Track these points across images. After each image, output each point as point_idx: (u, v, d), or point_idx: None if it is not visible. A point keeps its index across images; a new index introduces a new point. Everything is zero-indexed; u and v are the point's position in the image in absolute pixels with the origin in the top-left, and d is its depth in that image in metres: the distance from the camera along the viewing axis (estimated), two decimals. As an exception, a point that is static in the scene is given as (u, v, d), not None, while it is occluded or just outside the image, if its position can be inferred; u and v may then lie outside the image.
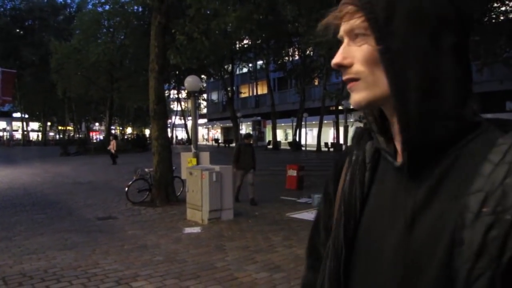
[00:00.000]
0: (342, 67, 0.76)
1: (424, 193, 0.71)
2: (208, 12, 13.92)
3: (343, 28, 0.77)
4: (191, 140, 11.43)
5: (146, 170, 11.93)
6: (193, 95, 11.22)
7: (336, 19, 0.78)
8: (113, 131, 57.29)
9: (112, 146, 25.62)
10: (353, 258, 0.82)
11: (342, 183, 0.91)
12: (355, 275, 0.81)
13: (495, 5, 14.72)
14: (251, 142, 11.91)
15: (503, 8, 15.03)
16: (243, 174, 11.00)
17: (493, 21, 14.93)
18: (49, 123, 71.89)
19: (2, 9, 52.60)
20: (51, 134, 77.94)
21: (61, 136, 69.90)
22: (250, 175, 10.93)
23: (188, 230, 8.33)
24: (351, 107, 0.79)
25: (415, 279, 0.68)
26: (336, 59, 0.76)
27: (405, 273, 0.70)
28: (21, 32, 51.63)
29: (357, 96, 0.76)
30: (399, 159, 0.77)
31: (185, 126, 62.68)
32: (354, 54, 0.75)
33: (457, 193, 0.66)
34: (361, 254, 0.80)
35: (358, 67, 0.74)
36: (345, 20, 0.76)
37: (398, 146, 0.77)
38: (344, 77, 0.76)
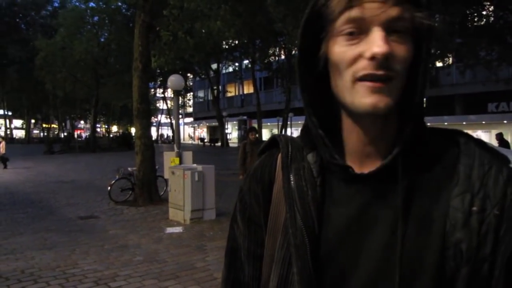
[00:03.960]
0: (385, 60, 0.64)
1: (403, 201, 0.68)
2: (191, 10, 13.85)
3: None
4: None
5: (129, 169, 11.85)
6: (176, 94, 11.19)
7: None
8: (98, 129, 56.70)
9: (2, 148, 23.49)
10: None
11: (278, 204, 0.79)
12: None
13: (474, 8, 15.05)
14: (257, 137, 9.76)
15: (484, 13, 15.37)
16: None
17: (475, 24, 15.25)
18: (33, 121, 70.92)
19: None
20: (35, 131, 76.92)
21: (45, 134, 69.00)
22: None
23: (169, 230, 8.32)
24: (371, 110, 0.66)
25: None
26: (385, 48, 0.63)
27: (400, 284, 0.65)
28: (5, 30, 50.64)
29: (387, 99, 0.66)
30: (357, 170, 0.72)
31: (171, 125, 62.32)
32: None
33: (436, 197, 0.69)
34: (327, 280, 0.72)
35: (399, 66, 0.65)
36: None
37: (351, 158, 0.74)
38: (380, 72, 0.64)
